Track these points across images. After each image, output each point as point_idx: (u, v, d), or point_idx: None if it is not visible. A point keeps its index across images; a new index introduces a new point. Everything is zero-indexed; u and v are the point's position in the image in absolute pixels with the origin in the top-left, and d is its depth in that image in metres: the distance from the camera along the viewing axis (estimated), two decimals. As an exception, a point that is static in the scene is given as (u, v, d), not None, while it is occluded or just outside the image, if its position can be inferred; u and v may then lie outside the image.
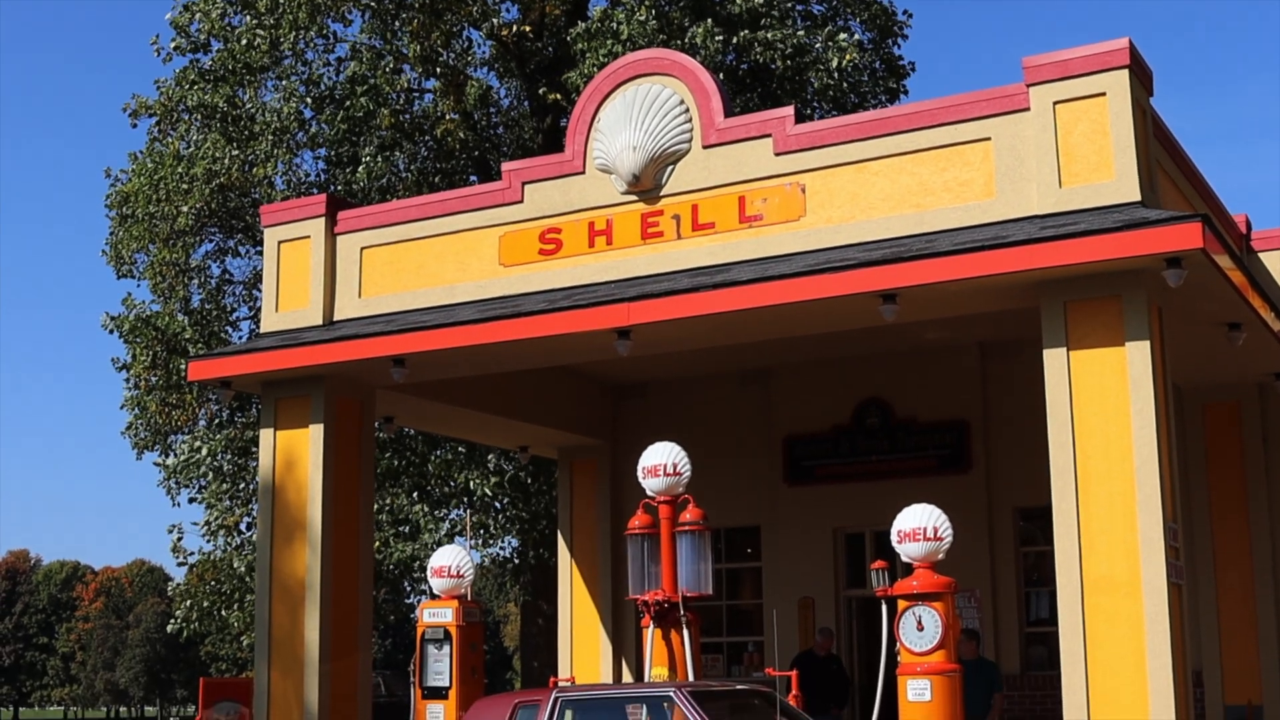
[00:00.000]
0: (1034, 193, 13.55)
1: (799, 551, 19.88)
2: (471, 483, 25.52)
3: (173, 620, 28.95)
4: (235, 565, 26.65)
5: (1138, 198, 13.02)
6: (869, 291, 13.57)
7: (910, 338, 17.77)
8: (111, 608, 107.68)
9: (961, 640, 16.05)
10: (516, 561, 28.99)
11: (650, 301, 14.53)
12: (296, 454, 16.99)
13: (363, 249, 17.17)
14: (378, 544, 25.27)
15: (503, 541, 28.38)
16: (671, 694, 11.15)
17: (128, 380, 28.34)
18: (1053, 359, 13.16)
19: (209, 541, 27.42)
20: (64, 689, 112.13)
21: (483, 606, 15.88)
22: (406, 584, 29.59)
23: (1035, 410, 13.49)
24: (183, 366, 23.94)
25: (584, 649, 20.92)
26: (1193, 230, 12.23)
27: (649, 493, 13.48)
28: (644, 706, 11.92)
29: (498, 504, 26.71)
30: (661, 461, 13.36)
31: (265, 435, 17.35)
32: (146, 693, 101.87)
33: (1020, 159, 13.69)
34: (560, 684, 12.46)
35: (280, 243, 17.64)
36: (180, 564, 28.00)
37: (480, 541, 26.86)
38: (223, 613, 27.49)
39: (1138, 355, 12.77)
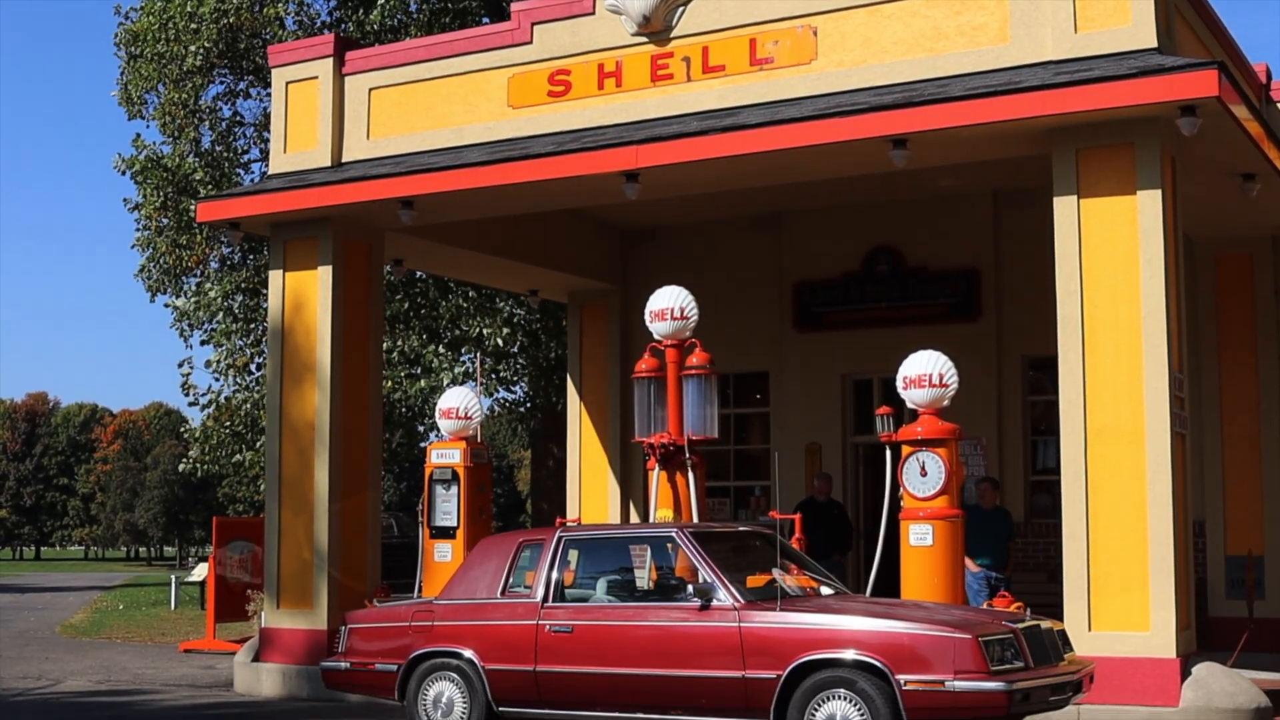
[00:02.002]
0: (1048, 38, 13.35)
1: (807, 397, 19.95)
2: (483, 331, 25.48)
3: (185, 460, 29.13)
4: (246, 406, 26.77)
5: (1154, 44, 12.83)
6: (879, 136, 13.46)
7: (922, 185, 17.66)
8: (129, 450, 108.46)
9: (986, 487, 16.17)
10: (528, 406, 29.09)
11: (659, 144, 14.44)
12: (305, 296, 17.02)
13: (371, 90, 17.06)
14: (390, 384, 25.33)
15: (513, 388, 28.44)
16: (674, 534, 11.28)
17: (138, 221, 28.25)
18: (1063, 207, 13.07)
19: (218, 380, 27.53)
20: (84, 529, 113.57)
21: (491, 449, 16.00)
22: (420, 427, 29.70)
23: (1047, 259, 13.42)
24: (193, 208, 23.87)
25: (592, 492, 21.10)
26: (1208, 78, 12.08)
27: (656, 336, 13.53)
28: (647, 547, 12.06)
29: (511, 350, 26.69)
30: (668, 305, 13.37)
31: (274, 277, 17.38)
32: (165, 533, 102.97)
33: (1035, 4, 13.47)
34: (566, 524, 12.58)
35: (288, 83, 17.54)
36: (192, 404, 28.10)
37: (486, 389, 26.87)
38: (235, 457, 27.64)
39: (1149, 204, 12.68)
